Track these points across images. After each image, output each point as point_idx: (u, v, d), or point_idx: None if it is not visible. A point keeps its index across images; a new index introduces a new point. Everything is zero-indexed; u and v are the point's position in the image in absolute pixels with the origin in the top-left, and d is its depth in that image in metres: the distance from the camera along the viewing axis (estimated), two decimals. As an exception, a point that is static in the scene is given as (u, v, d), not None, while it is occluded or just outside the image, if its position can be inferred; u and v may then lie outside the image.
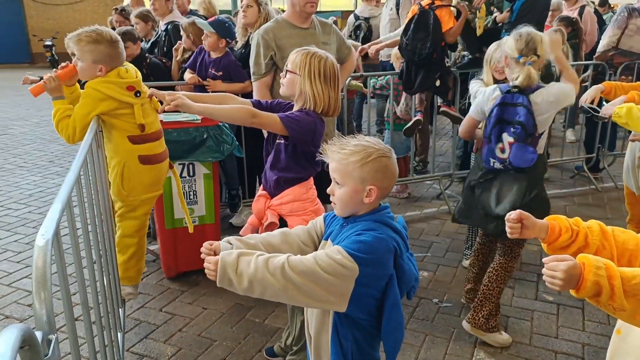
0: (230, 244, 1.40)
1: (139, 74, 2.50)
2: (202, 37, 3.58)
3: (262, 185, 2.22)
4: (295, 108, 2.07)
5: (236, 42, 3.73)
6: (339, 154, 1.36)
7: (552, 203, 4.31)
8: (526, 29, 2.29)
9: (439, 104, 4.08)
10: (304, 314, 1.58)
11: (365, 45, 4.90)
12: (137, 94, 2.40)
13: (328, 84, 2.00)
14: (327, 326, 1.43)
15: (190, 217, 3.06)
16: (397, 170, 1.40)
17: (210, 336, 2.61)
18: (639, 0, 4.74)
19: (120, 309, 2.45)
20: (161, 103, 1.94)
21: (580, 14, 5.36)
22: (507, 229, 1.34)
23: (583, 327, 2.64)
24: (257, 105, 2.15)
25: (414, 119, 3.95)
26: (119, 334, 2.27)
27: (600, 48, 4.67)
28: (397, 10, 5.14)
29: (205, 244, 1.39)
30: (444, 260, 3.41)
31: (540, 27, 4.03)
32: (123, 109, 2.40)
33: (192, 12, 4.98)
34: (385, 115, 4.74)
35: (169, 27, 4.23)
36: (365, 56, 4.93)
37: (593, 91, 2.71)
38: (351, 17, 6.45)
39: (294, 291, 1.24)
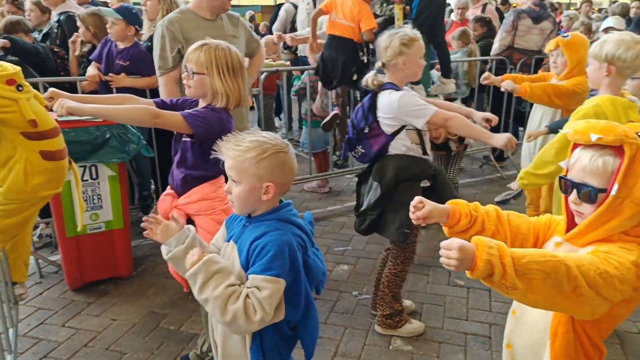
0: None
1: (17, 67, 2.26)
2: (108, 27, 3.32)
3: (169, 184, 2.12)
4: (201, 105, 1.99)
5: (142, 34, 3.53)
6: (234, 150, 1.32)
7: (464, 191, 4.58)
8: (387, 33, 2.33)
9: (334, 110, 4.12)
10: (210, 318, 1.52)
11: (286, 36, 4.86)
12: (19, 87, 2.16)
13: (237, 76, 1.94)
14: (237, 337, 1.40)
15: (96, 223, 2.85)
16: (295, 165, 1.37)
17: (120, 349, 2.44)
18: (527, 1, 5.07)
19: (10, 329, 2.22)
20: None
21: (483, 11, 5.67)
22: (412, 217, 1.35)
23: (490, 307, 2.79)
24: (161, 105, 2.04)
25: (332, 113, 3.97)
26: (8, 356, 2.05)
27: (493, 51, 4.98)
28: (314, 4, 5.14)
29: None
30: (364, 252, 3.47)
31: (439, 23, 4.22)
32: (7, 105, 2.15)
33: (94, 3, 4.64)
34: (303, 112, 4.73)
35: (61, 17, 3.86)
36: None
37: (509, 86, 2.90)
38: (290, 6, 6.32)
39: (237, 325, 1.25)
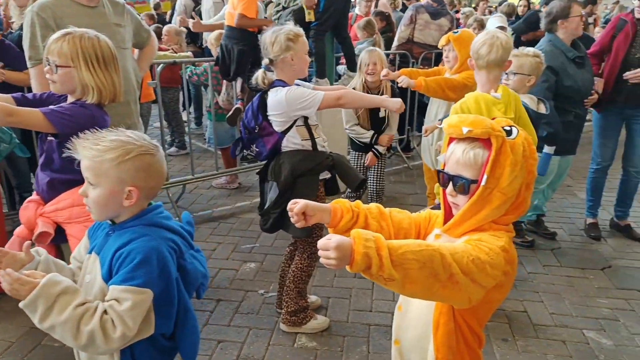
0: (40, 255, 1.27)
1: None
2: None
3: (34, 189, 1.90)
4: (70, 100, 1.80)
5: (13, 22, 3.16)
6: (92, 150, 1.19)
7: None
8: (270, 29, 2.31)
9: (237, 103, 4.01)
10: None
11: (190, 21, 4.61)
12: None
13: (110, 68, 1.78)
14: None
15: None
16: (163, 168, 1.28)
17: (-6, 374, 2.19)
18: None
19: None
20: None
21: (376, 6, 5.82)
22: (293, 220, 1.32)
23: (393, 297, 2.86)
24: (21, 100, 1.81)
25: (234, 107, 3.85)
26: None
27: (394, 44, 5.14)
28: (221, -7, 4.96)
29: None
30: (272, 249, 3.41)
31: (344, 15, 4.26)
32: None
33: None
34: (207, 105, 4.55)
35: None
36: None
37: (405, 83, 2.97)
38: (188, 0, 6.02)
39: (95, 346, 1.13)
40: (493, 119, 1.22)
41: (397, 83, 3.10)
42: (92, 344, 1.11)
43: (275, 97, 2.24)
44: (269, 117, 2.29)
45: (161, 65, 3.64)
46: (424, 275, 1.02)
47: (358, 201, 1.39)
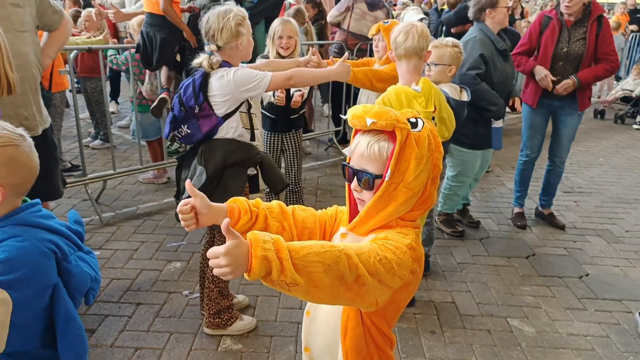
0: None
1: None
2: None
3: None
4: None
5: None
6: None
7: (308, 175, 4.60)
8: (214, 13, 2.18)
9: (161, 93, 3.77)
10: None
11: (109, 11, 4.28)
12: None
13: None
14: None
15: None
16: (32, 161, 1.13)
17: None
18: None
19: None
20: None
21: (321, -2, 5.72)
22: (182, 223, 1.18)
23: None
24: None
25: (159, 97, 3.62)
26: None
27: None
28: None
29: None
30: (199, 247, 3.23)
31: (277, 7, 4.12)
32: None
33: None
34: (130, 95, 4.27)
35: None
36: None
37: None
38: None
39: None
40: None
41: None
42: None
43: (221, 78, 2.10)
44: (210, 99, 2.13)
45: (74, 52, 3.34)
46: (330, 278, 0.94)
47: (258, 199, 1.28)
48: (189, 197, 2.20)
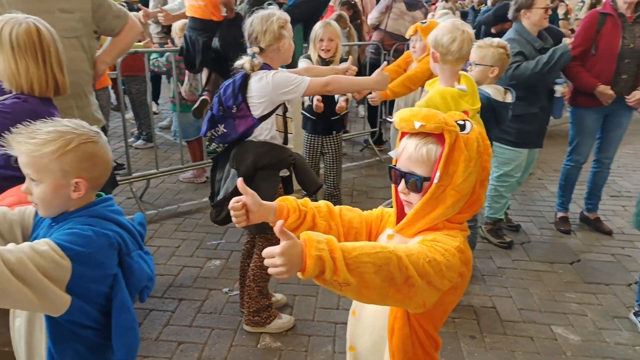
0: None
1: None
2: None
3: None
4: (14, 92, 1.69)
5: None
6: (28, 144, 1.10)
7: (343, 176, 4.59)
8: (257, 16, 2.22)
9: (203, 94, 3.85)
10: (10, 331, 1.31)
11: (158, 13, 4.40)
12: None
13: (25, 54, 1.63)
14: (40, 342, 1.20)
15: None
16: (108, 156, 1.20)
17: None
18: None
19: None
20: None
21: (361, -1, 5.73)
22: (233, 219, 1.23)
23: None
24: None
25: (200, 98, 3.71)
26: None
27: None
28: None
29: None
30: (237, 245, 3.30)
31: (317, 13, 4.14)
32: None
33: None
34: (170, 96, 4.38)
35: None
36: None
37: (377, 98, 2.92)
38: None
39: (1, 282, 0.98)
40: (465, 111, 1.15)
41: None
42: None
43: (260, 80, 2.14)
44: (248, 100, 2.17)
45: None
46: (380, 279, 0.95)
47: (306, 199, 1.31)
48: (224, 198, 2.25)
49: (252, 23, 2.18)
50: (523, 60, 3.02)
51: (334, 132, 3.31)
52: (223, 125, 2.25)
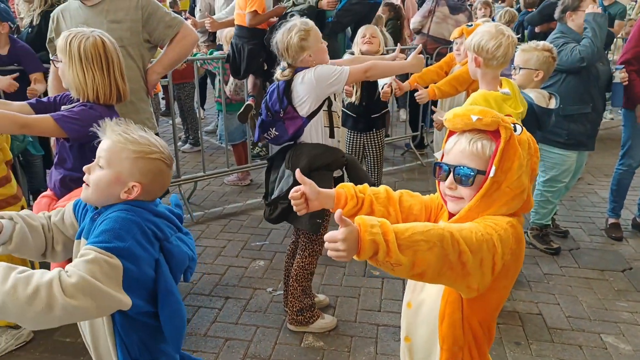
0: (12, 219, 1.27)
1: None
2: None
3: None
4: (81, 100, 1.83)
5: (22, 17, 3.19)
6: (120, 135, 1.22)
7: (384, 180, 4.60)
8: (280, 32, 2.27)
9: (248, 100, 3.97)
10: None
11: (206, 20, 4.58)
12: None
13: (92, 65, 1.77)
14: (104, 332, 1.28)
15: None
16: (168, 181, 1.31)
17: (3, 369, 2.21)
18: None
19: None
20: None
21: (403, 1, 5.73)
22: (294, 208, 1.30)
23: (402, 297, 2.80)
24: (37, 106, 1.86)
25: (246, 103, 3.83)
26: None
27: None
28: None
29: None
30: (281, 247, 3.38)
31: (366, 19, 4.20)
32: None
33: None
34: (216, 95, 4.51)
35: None
36: None
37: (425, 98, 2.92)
38: None
39: (65, 312, 1.04)
40: (508, 115, 1.18)
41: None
42: (36, 295, 1.01)
43: (303, 79, 2.22)
44: (294, 102, 2.25)
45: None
46: (434, 256, 0.98)
47: (365, 185, 1.36)
48: (278, 197, 2.32)
49: (276, 40, 2.26)
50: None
51: (374, 129, 3.36)
52: (274, 129, 2.34)
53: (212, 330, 2.52)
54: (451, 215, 1.23)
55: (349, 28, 4.30)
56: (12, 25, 3.11)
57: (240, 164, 4.40)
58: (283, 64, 2.28)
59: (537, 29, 5.03)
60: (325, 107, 2.31)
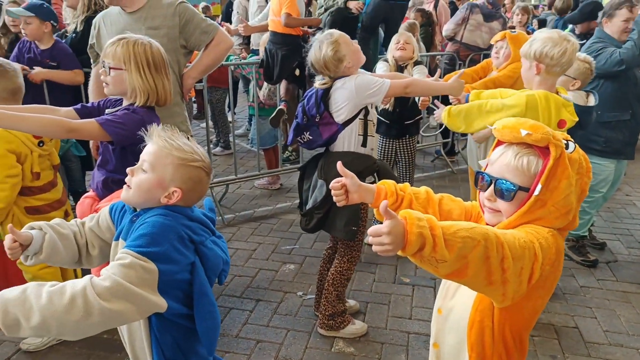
0: (41, 229, 1.31)
1: None
2: (21, 27, 3.12)
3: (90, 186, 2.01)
4: (124, 104, 1.89)
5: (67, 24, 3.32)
6: (165, 141, 1.26)
7: (414, 186, 4.59)
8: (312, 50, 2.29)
9: (280, 105, 4.01)
10: None
11: (240, 26, 4.66)
12: (41, 143, 2.20)
13: (160, 72, 1.85)
14: (140, 332, 1.32)
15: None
16: (205, 189, 1.35)
17: (44, 362, 2.29)
18: None
19: None
20: None
21: (436, 7, 5.70)
22: (334, 198, 1.32)
23: (433, 305, 2.78)
24: (81, 110, 1.93)
25: (278, 108, 3.87)
26: None
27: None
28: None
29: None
30: (311, 251, 3.40)
31: (396, 23, 4.21)
32: (25, 155, 2.22)
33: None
34: (250, 100, 4.58)
35: None
36: None
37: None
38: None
39: (103, 317, 1.06)
40: (562, 119, 1.15)
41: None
42: (86, 301, 1.04)
43: (343, 87, 2.24)
44: (331, 108, 2.27)
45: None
46: (477, 256, 0.96)
47: (406, 184, 1.36)
48: (313, 207, 2.34)
49: (310, 60, 2.28)
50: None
51: (407, 135, 3.35)
52: (308, 133, 2.36)
53: (243, 332, 2.55)
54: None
55: (381, 34, 4.30)
56: (54, 24, 3.22)
57: (270, 168, 4.45)
58: (325, 79, 2.29)
59: (577, 30, 4.90)
60: (361, 116, 2.31)
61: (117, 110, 1.88)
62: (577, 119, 2.13)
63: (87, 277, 1.10)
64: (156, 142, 1.27)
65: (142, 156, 1.28)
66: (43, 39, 3.18)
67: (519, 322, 1.20)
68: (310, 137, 2.37)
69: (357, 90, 2.21)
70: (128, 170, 1.29)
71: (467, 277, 0.99)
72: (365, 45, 4.12)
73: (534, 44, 2.12)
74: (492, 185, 1.15)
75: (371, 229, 0.96)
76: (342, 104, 2.24)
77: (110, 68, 1.77)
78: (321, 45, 2.23)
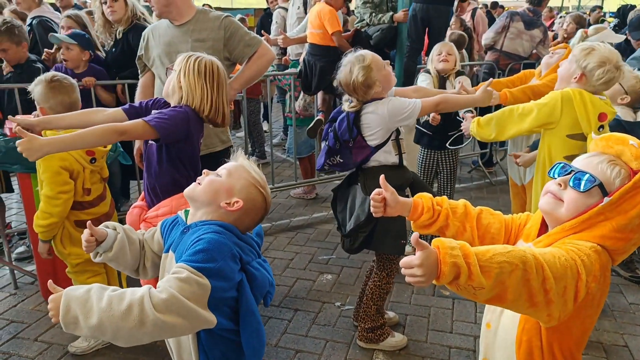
0: (115, 229, 1.40)
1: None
2: (62, 52, 3.27)
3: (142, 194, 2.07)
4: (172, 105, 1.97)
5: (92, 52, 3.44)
6: (248, 163, 1.38)
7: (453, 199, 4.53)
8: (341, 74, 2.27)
9: (317, 115, 4.04)
10: None
11: (279, 38, 4.74)
12: (93, 160, 2.31)
13: (203, 78, 1.90)
14: (189, 346, 1.34)
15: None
16: (260, 217, 1.40)
17: (92, 365, 2.36)
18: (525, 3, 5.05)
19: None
20: None
21: (473, 16, 5.65)
22: (372, 209, 1.35)
23: (475, 319, 2.73)
24: (129, 110, 1.99)
25: (315, 119, 3.91)
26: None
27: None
28: (305, 8, 5.06)
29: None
30: (348, 261, 3.40)
31: (441, 34, 4.20)
32: (77, 171, 2.33)
33: (77, 7, 4.54)
34: (286, 111, 4.64)
35: (33, 22, 3.77)
36: None
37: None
38: (283, 11, 6.15)
39: (155, 328, 1.08)
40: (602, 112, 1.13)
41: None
42: (130, 313, 1.06)
43: (374, 112, 2.22)
44: (364, 132, 2.26)
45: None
46: (516, 280, 0.94)
47: (444, 197, 1.35)
48: (357, 226, 2.33)
49: (339, 80, 2.25)
50: None
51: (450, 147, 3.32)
52: (339, 156, 2.36)
53: (282, 341, 2.56)
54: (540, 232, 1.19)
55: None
56: (92, 54, 3.38)
57: (306, 178, 4.48)
58: (355, 102, 2.26)
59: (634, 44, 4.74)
60: (393, 137, 2.30)
61: (164, 107, 1.95)
62: (616, 112, 2.10)
63: (146, 286, 1.13)
64: (240, 161, 1.37)
65: (223, 166, 1.37)
66: (79, 67, 3.34)
67: (568, 341, 1.17)
68: (341, 160, 2.36)
69: (390, 116, 2.20)
70: (204, 171, 1.37)
71: (507, 301, 0.98)
72: (413, 60, 4.14)
73: (592, 57, 2.09)
74: (572, 174, 1.13)
75: (403, 261, 0.96)
76: (375, 128, 2.24)
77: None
78: (352, 68, 2.18)
